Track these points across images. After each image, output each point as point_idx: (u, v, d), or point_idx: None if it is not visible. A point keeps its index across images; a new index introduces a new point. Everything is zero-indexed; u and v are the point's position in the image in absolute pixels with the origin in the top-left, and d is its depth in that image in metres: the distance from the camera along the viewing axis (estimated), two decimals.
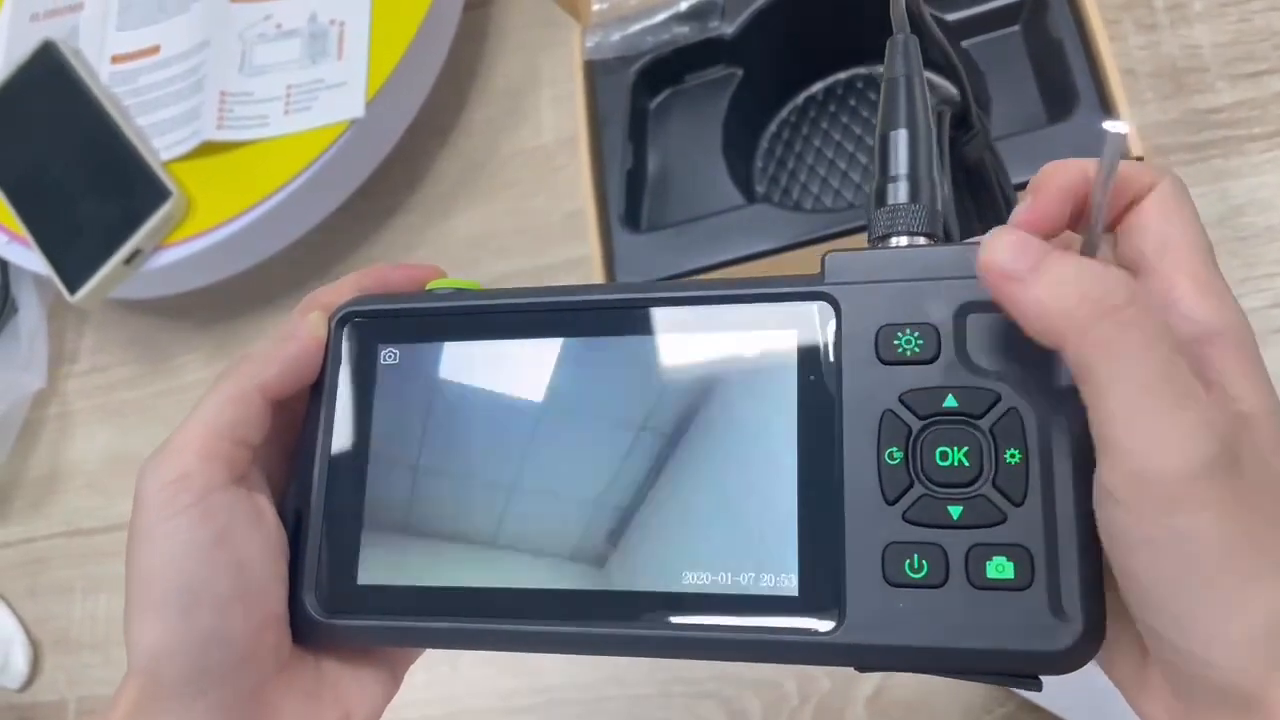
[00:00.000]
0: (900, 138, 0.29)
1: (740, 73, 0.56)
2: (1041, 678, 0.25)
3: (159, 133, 0.64)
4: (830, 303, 0.27)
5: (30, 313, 0.71)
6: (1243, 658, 0.22)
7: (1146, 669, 0.25)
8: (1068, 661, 0.24)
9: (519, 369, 0.30)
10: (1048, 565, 0.24)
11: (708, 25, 0.54)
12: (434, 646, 0.31)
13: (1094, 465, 0.24)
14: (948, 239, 0.29)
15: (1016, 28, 0.51)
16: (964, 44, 0.52)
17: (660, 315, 0.29)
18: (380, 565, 0.29)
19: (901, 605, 0.25)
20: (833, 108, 0.57)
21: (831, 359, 0.27)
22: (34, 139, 0.67)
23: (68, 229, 0.64)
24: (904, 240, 0.28)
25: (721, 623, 0.26)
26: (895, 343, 0.26)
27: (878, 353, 0.26)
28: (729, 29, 0.54)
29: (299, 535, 0.30)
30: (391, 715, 0.55)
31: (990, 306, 0.25)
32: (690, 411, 0.28)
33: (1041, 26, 0.48)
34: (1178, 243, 0.25)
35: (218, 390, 0.29)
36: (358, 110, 0.60)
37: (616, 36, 0.54)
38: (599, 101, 0.55)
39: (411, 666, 0.57)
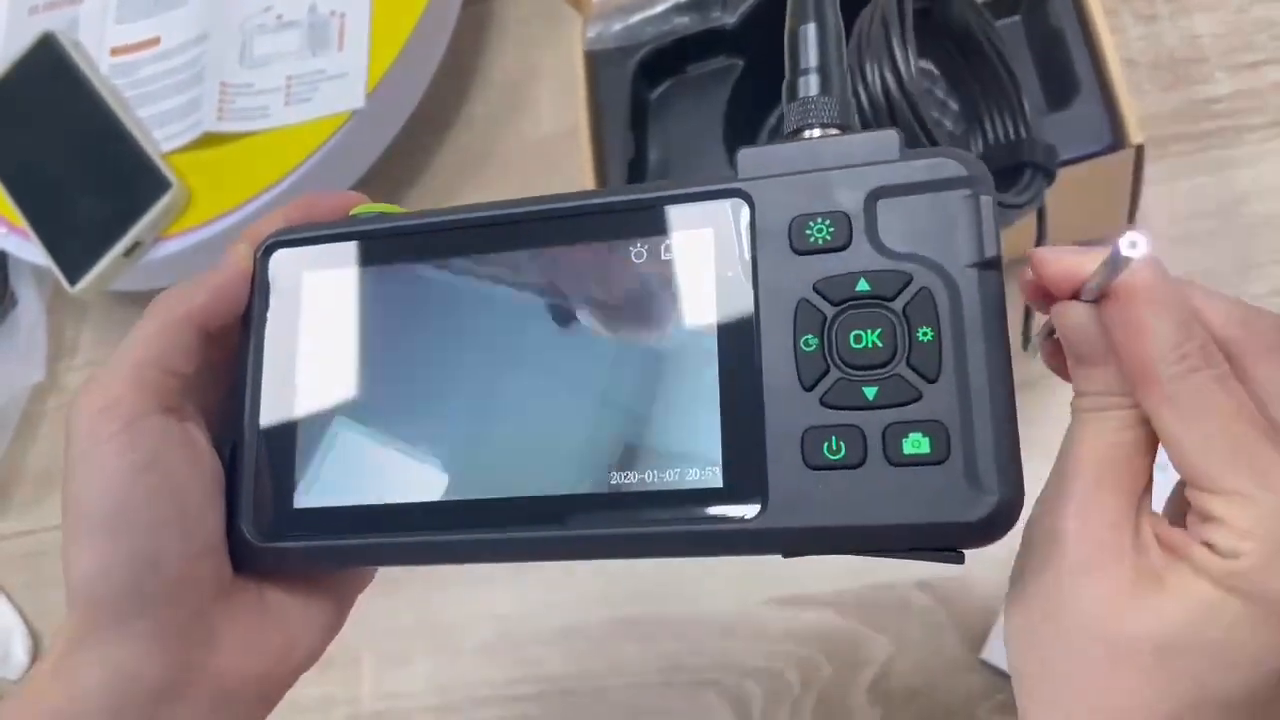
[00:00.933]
0: (809, 31, 0.29)
1: (741, 63, 0.56)
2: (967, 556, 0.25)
3: (159, 124, 0.64)
4: (744, 198, 0.27)
5: (29, 305, 0.71)
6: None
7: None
8: (986, 532, 0.24)
9: (442, 288, 0.30)
10: (963, 438, 0.24)
11: (709, 16, 0.54)
12: (371, 564, 0.32)
13: (1005, 340, 0.25)
14: (869, 128, 0.30)
15: (1017, 18, 0.51)
16: None
17: (581, 224, 0.29)
18: (315, 488, 0.30)
19: (822, 487, 0.25)
20: None
21: (747, 254, 0.27)
22: (34, 131, 0.67)
23: (67, 221, 0.63)
24: (816, 132, 0.28)
25: (651, 518, 0.27)
26: (807, 232, 0.26)
27: (791, 244, 0.27)
28: (730, 19, 0.54)
29: (235, 464, 0.31)
30: (395, 704, 0.56)
31: (899, 190, 0.26)
32: (613, 315, 0.28)
33: (1042, 16, 0.49)
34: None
35: (144, 322, 0.30)
36: (358, 101, 0.60)
37: (617, 27, 0.54)
38: (600, 92, 0.55)
39: (412, 654, 0.57)
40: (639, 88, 0.55)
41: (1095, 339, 0.25)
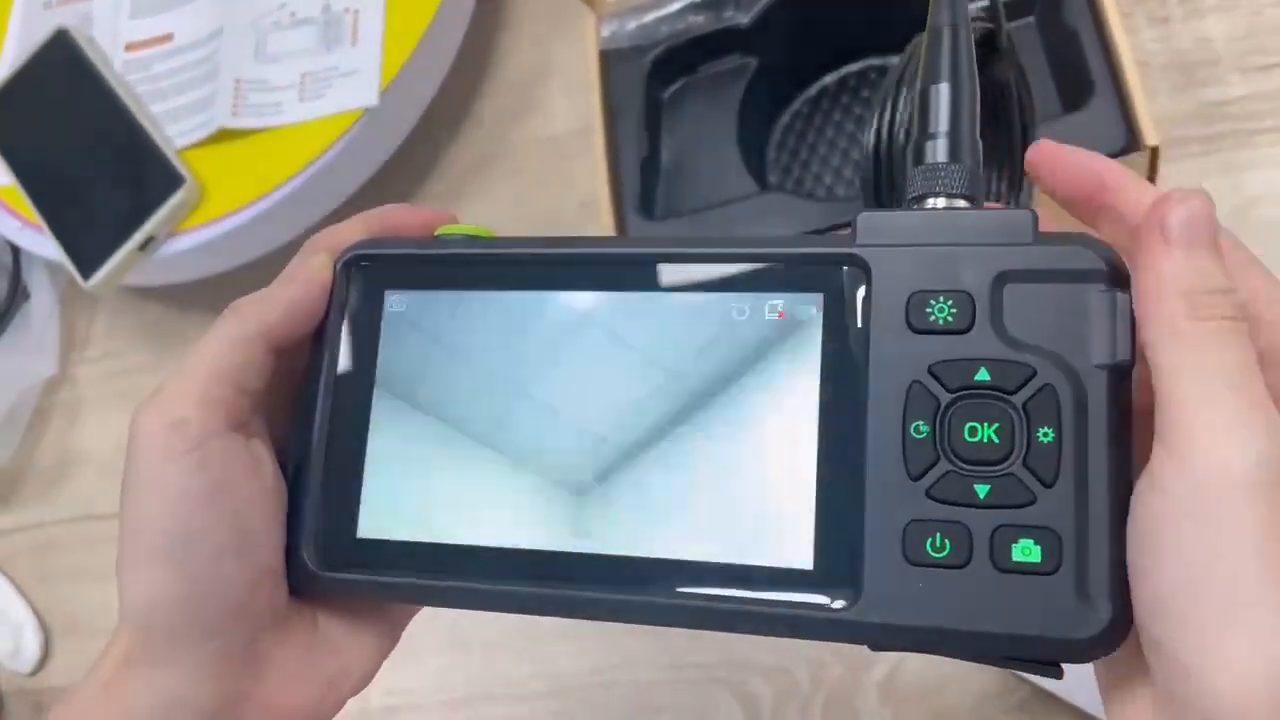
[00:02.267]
0: (943, 92, 0.27)
1: (754, 63, 0.56)
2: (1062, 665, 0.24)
3: (172, 120, 0.64)
4: (860, 266, 0.26)
5: (42, 300, 0.71)
6: (1250, 695, 0.19)
7: (1136, 686, 0.23)
8: (1092, 650, 0.23)
9: (530, 322, 0.29)
10: (1076, 550, 0.23)
11: (722, 15, 0.54)
12: (431, 605, 0.30)
13: (1130, 450, 0.23)
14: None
15: (1031, 19, 0.51)
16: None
17: (683, 271, 0.28)
18: (380, 519, 0.29)
19: (921, 585, 0.24)
20: (845, 99, 0.57)
21: (860, 324, 0.26)
22: (48, 126, 0.67)
23: (82, 216, 0.64)
24: (941, 202, 0.26)
25: (732, 594, 0.26)
26: (927, 310, 0.25)
27: (908, 320, 0.25)
28: (744, 19, 0.54)
29: (298, 486, 0.29)
30: (404, 700, 0.56)
31: (1029, 277, 0.24)
32: (711, 373, 0.27)
33: (1056, 17, 0.49)
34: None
35: (217, 334, 0.28)
36: (372, 98, 0.60)
37: (632, 25, 0.54)
38: (613, 91, 0.55)
39: (423, 650, 0.57)
40: (652, 86, 0.55)
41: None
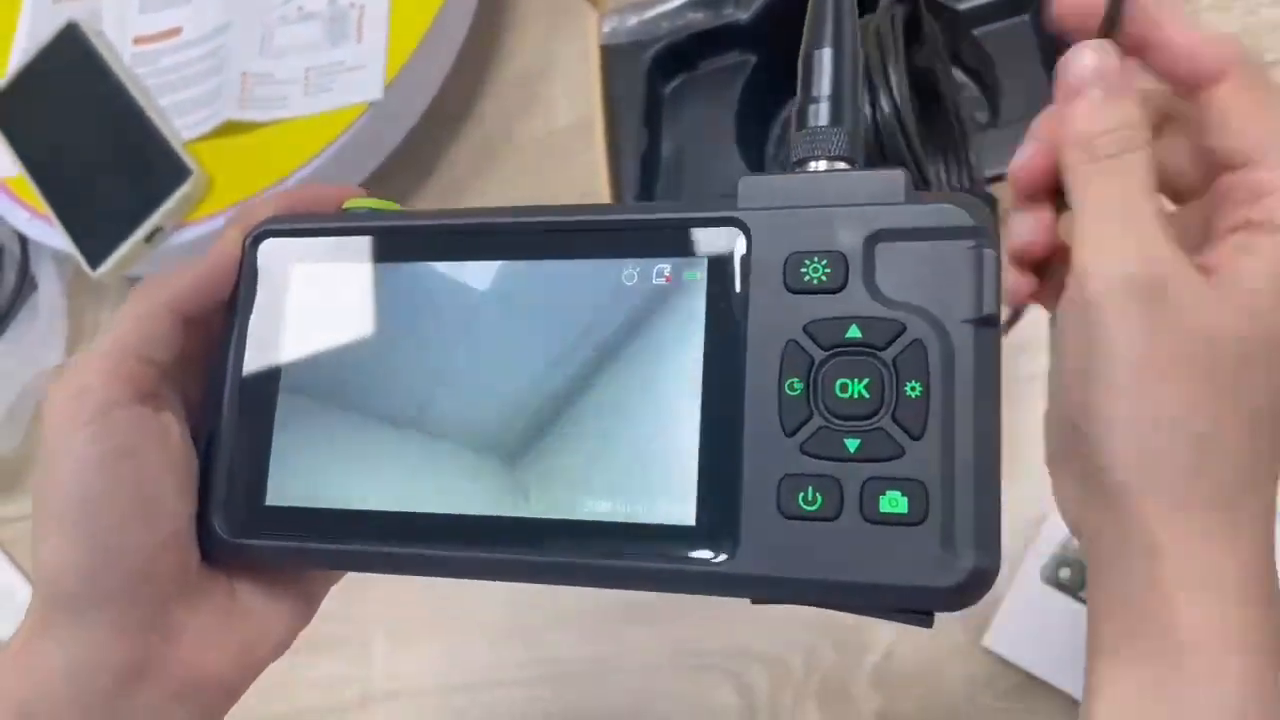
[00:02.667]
0: (824, 57, 0.28)
1: (754, 59, 0.56)
2: (940, 616, 0.25)
3: (180, 113, 0.65)
4: (741, 228, 0.27)
5: (50, 290, 0.72)
6: (1130, 470, 0.24)
7: (1067, 461, 0.27)
8: (956, 598, 0.24)
9: (430, 292, 0.30)
10: (943, 501, 0.24)
11: (722, 11, 0.55)
12: (339, 569, 0.32)
13: (997, 402, 0.25)
14: (883, 163, 0.30)
15: (1026, 17, 0.52)
16: (974, 32, 0.53)
17: (574, 240, 0.29)
18: (288, 486, 0.30)
19: (795, 537, 0.25)
20: None
21: (739, 286, 0.27)
22: (57, 118, 0.68)
23: (90, 206, 0.65)
24: (822, 165, 0.27)
25: (618, 550, 0.27)
26: (803, 270, 0.26)
27: (785, 280, 0.26)
28: (744, 15, 0.55)
29: (209, 455, 0.30)
30: (406, 684, 0.57)
31: (901, 235, 0.25)
32: (602, 338, 0.28)
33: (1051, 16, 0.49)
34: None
35: (125, 308, 0.30)
36: (376, 92, 0.61)
37: (633, 22, 0.55)
38: (614, 86, 0.56)
39: (424, 635, 0.58)
40: (653, 83, 0.56)
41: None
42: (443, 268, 0.30)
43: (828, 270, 0.26)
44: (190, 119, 0.65)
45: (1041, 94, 0.50)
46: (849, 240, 0.26)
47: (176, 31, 0.68)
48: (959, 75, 0.56)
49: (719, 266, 0.27)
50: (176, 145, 0.63)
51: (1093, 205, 0.25)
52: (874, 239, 0.26)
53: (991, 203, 0.42)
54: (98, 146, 0.66)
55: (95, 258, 0.63)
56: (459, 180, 0.66)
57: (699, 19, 0.56)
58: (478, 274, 0.30)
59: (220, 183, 0.63)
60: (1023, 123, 0.48)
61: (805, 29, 0.29)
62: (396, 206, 0.32)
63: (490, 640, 0.56)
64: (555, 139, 0.65)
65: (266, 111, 0.63)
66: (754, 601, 0.26)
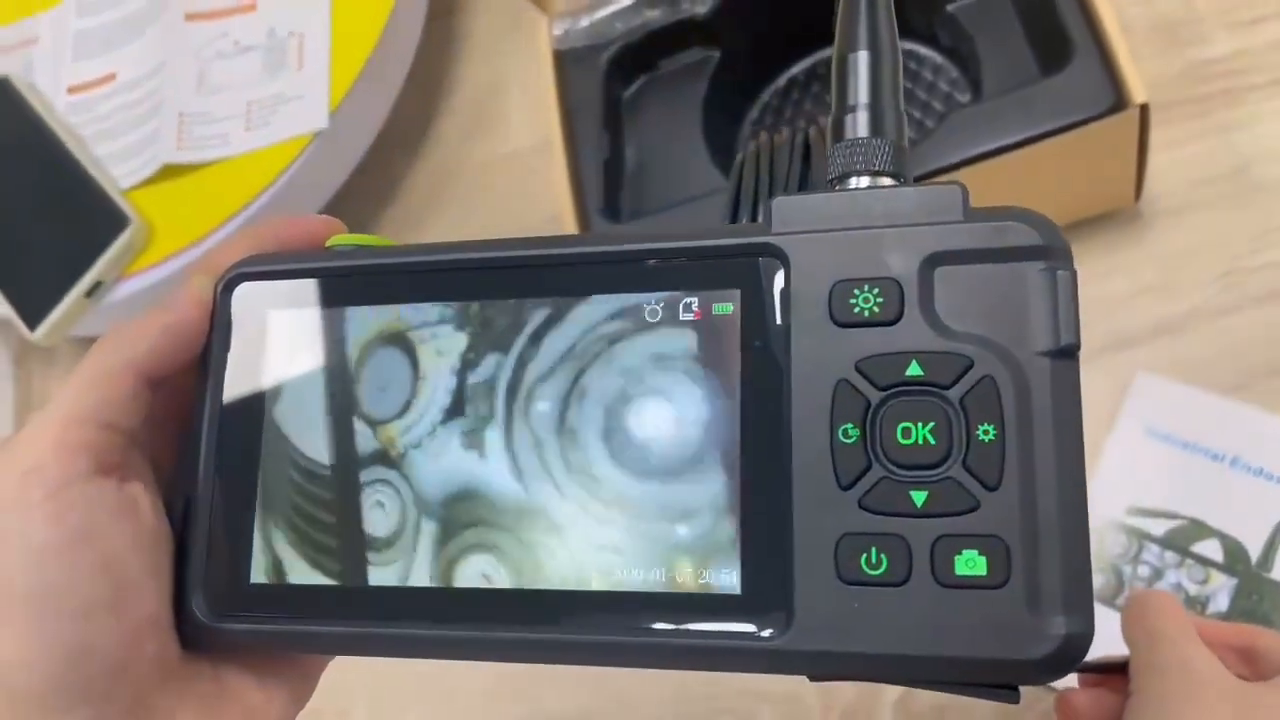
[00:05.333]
0: (860, 60, 0.25)
1: (716, 55, 0.53)
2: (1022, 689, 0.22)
3: (120, 160, 0.62)
4: (777, 256, 0.23)
5: None
6: None
7: None
8: (1046, 670, 0.21)
9: (429, 337, 0.26)
10: (1026, 559, 0.21)
11: (679, 6, 0.52)
12: (335, 653, 0.27)
13: (1080, 443, 0.21)
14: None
15: None
16: (949, 7, 0.49)
17: (586, 275, 0.25)
18: (275, 562, 0.26)
19: (857, 606, 0.21)
20: (816, 88, 0.55)
21: (779, 322, 0.23)
22: None
23: (27, 265, 0.61)
24: (864, 181, 0.24)
25: (654, 626, 0.23)
26: (851, 301, 0.22)
27: (831, 313, 0.23)
28: (701, 8, 0.52)
29: (186, 530, 0.27)
30: None
31: (961, 258, 0.22)
32: (620, 384, 0.24)
33: None
34: None
35: (81, 369, 0.26)
36: (321, 121, 0.57)
37: (585, 23, 0.52)
38: (571, 93, 0.53)
39: (407, 702, 0.53)
40: (611, 86, 0.53)
41: None
42: (441, 310, 0.26)
43: (880, 300, 0.22)
44: (129, 165, 0.61)
45: (1023, 63, 0.47)
46: (903, 265, 0.22)
47: (111, 78, 0.65)
48: (936, 57, 0.52)
49: (754, 299, 0.23)
50: (114, 194, 0.60)
51: None
52: (931, 262, 0.22)
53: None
54: (33, 203, 0.62)
55: (34, 318, 0.59)
56: (417, 205, 0.63)
57: (655, 16, 0.52)
58: (479, 318, 0.26)
59: (162, 229, 0.59)
60: (1006, 97, 0.45)
61: (837, 31, 0.26)
62: (388, 241, 0.28)
63: (479, 702, 0.52)
64: (515, 156, 0.62)
65: (206, 151, 0.59)
66: (811, 679, 0.23)
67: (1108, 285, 0.47)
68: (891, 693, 0.45)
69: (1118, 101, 0.42)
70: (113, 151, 0.62)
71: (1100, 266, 0.48)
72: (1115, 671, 0.32)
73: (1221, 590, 0.41)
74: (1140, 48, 0.50)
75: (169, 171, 0.60)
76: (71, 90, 0.66)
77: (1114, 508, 0.43)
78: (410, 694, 0.53)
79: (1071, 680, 0.39)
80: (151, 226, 0.59)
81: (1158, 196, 0.48)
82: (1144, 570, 0.42)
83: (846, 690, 0.46)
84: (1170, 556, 0.42)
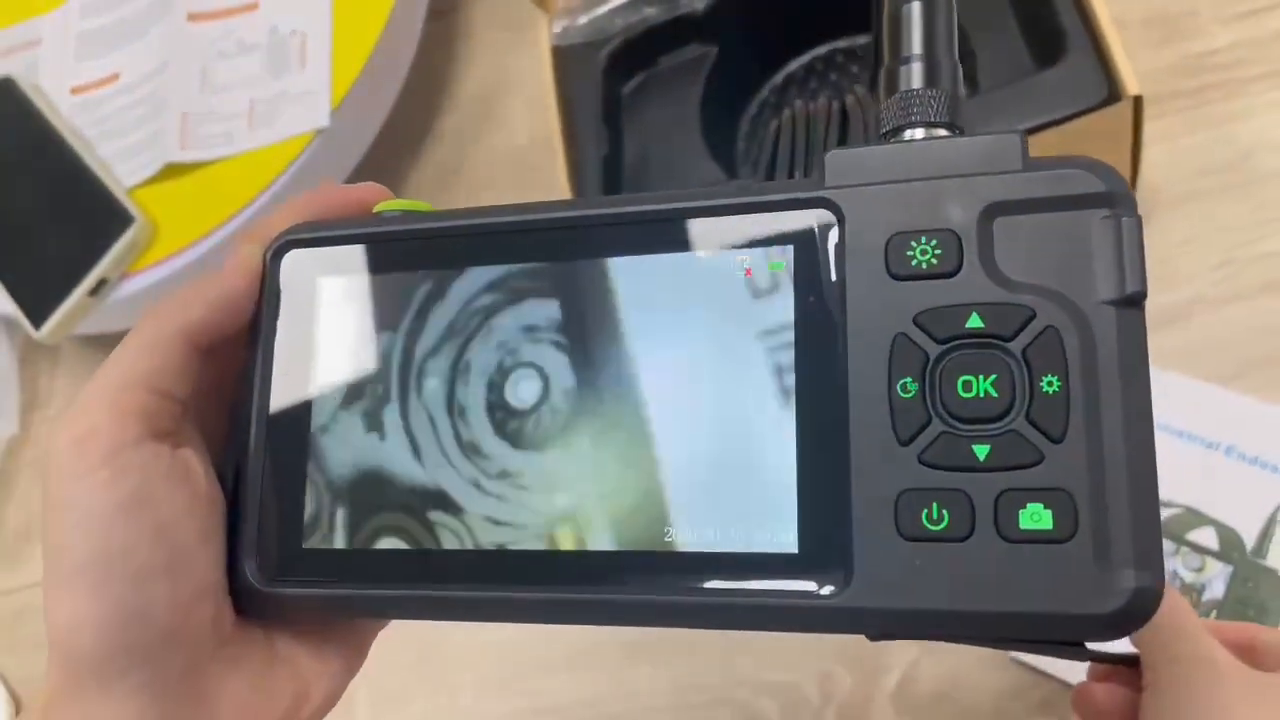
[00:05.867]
0: (914, 11, 0.25)
1: (715, 51, 0.54)
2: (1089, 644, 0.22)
3: (123, 159, 0.62)
4: (832, 209, 0.23)
5: (0, 358, 0.68)
6: None
7: None
8: (1118, 625, 0.20)
9: (480, 301, 0.26)
10: (1093, 512, 0.20)
11: (677, 3, 0.52)
12: (390, 617, 0.28)
13: (1148, 394, 0.21)
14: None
15: None
16: None
17: (638, 234, 0.25)
18: (328, 526, 0.26)
19: (919, 562, 0.21)
20: (814, 85, 0.55)
21: (834, 276, 0.23)
22: None
23: (32, 264, 0.61)
24: (920, 133, 0.24)
25: (711, 586, 0.23)
26: (909, 253, 0.22)
27: (888, 266, 0.22)
28: (700, 5, 0.52)
29: (239, 496, 0.27)
30: None
31: (1021, 207, 0.22)
32: (674, 343, 0.24)
33: None
34: None
35: (133, 336, 0.26)
36: (323, 119, 0.58)
37: (584, 20, 0.52)
38: (570, 90, 0.53)
39: (410, 692, 0.54)
40: (610, 82, 0.53)
41: None
42: (492, 273, 0.26)
43: (939, 251, 0.22)
44: (133, 164, 0.62)
45: (1018, 56, 0.47)
46: (961, 216, 0.22)
47: (114, 78, 0.65)
48: None
49: (808, 254, 0.23)
50: (118, 193, 0.60)
51: None
52: (991, 212, 0.22)
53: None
54: (37, 201, 0.63)
55: (38, 316, 0.59)
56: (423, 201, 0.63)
57: (653, 13, 0.53)
58: (532, 279, 0.26)
59: (166, 227, 0.60)
60: (1001, 90, 0.45)
61: None
62: (430, 207, 0.28)
63: (481, 692, 0.52)
64: (516, 152, 0.62)
65: (209, 150, 0.60)
66: (870, 639, 0.22)
67: None
68: (889, 682, 0.45)
69: (1111, 94, 0.42)
70: (117, 150, 0.63)
71: None
72: (1126, 664, 0.33)
73: (1217, 578, 0.41)
74: (1137, 41, 0.51)
75: (172, 170, 0.60)
76: (75, 91, 0.66)
77: None
78: (412, 684, 0.53)
79: (1081, 674, 0.39)
80: (155, 224, 0.60)
81: (1155, 188, 0.48)
82: None
83: (845, 681, 0.46)
84: (1166, 544, 0.42)
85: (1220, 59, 0.50)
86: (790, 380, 0.23)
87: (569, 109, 0.52)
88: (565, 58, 0.53)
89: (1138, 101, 0.42)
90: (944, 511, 0.21)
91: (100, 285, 0.59)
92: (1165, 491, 0.43)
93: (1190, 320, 0.46)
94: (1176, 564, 0.42)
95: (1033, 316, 0.21)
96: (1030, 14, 0.46)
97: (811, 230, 0.23)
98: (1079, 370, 0.21)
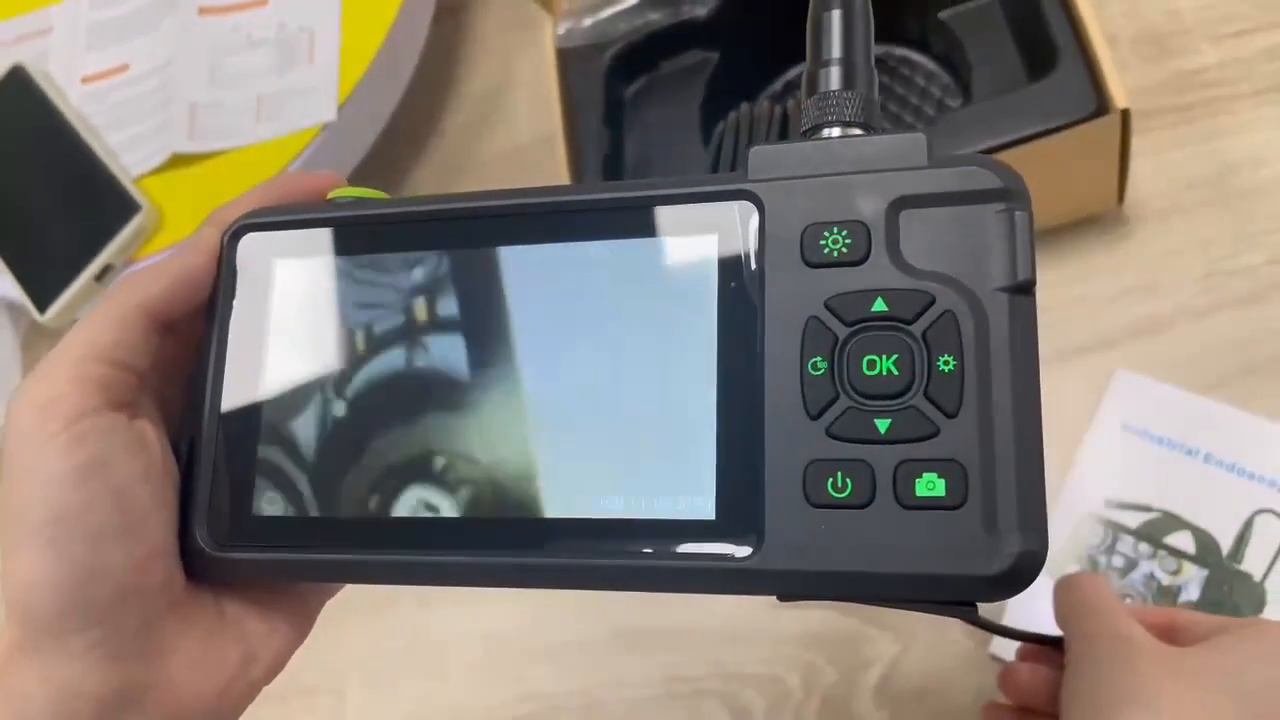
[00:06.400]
0: (834, 19, 0.26)
1: (716, 57, 0.55)
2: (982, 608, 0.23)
3: (131, 148, 0.63)
4: (753, 201, 0.25)
5: (3, 342, 0.69)
6: None
7: None
8: (1004, 586, 0.22)
9: (422, 283, 0.28)
10: (983, 482, 0.22)
11: (680, 8, 0.53)
12: (332, 580, 0.29)
13: (1035, 374, 0.23)
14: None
15: None
16: (941, 15, 0.51)
17: (574, 221, 0.26)
18: (276, 495, 0.28)
19: (824, 527, 0.23)
20: None
21: (754, 263, 0.25)
22: (4, 162, 0.65)
23: (38, 249, 0.62)
24: (836, 131, 0.25)
25: (634, 549, 0.24)
26: (822, 243, 0.24)
27: (803, 254, 0.24)
28: (702, 12, 0.53)
29: (192, 465, 0.28)
30: None
31: (925, 201, 0.23)
32: (604, 322, 0.26)
33: None
34: None
35: (97, 310, 0.27)
36: (329, 114, 0.59)
37: (588, 23, 0.53)
38: (574, 91, 0.54)
39: (399, 677, 0.55)
40: (613, 84, 0.54)
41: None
42: (435, 257, 0.28)
43: (849, 241, 0.24)
44: (140, 153, 0.63)
45: (1012, 69, 0.48)
46: (870, 208, 0.24)
47: (124, 68, 0.66)
48: (928, 63, 0.54)
49: (730, 241, 0.25)
50: (125, 181, 0.61)
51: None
52: (897, 206, 0.24)
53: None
54: (46, 188, 0.63)
55: (44, 301, 0.60)
56: None
57: (656, 18, 0.54)
58: (472, 262, 0.27)
59: (172, 216, 0.61)
60: (991, 101, 0.46)
61: None
62: (383, 195, 0.29)
63: (469, 680, 0.53)
64: (519, 153, 0.63)
65: (216, 141, 0.61)
66: (780, 599, 0.24)
67: (1090, 286, 0.49)
68: (872, 676, 0.46)
69: (1100, 106, 0.43)
70: (125, 139, 0.64)
71: (1084, 268, 0.49)
72: (1049, 645, 0.34)
73: (1193, 581, 0.42)
74: (1128, 57, 0.52)
75: (179, 160, 0.61)
76: (85, 80, 0.67)
77: (1091, 500, 0.44)
78: (403, 672, 0.54)
79: (1009, 655, 0.41)
80: (161, 213, 0.61)
81: (1141, 201, 0.49)
82: (1118, 561, 0.43)
83: (828, 672, 0.47)
84: (1144, 548, 0.43)
85: (1209, 76, 0.51)
86: (711, 358, 0.25)
87: (571, 110, 0.53)
88: (569, 59, 0.54)
89: (1126, 115, 0.43)
90: (848, 480, 0.23)
91: (105, 271, 0.60)
92: (1145, 496, 0.44)
93: (1173, 330, 0.47)
94: (1154, 567, 0.43)
95: (932, 302, 0.23)
96: (1024, 28, 0.48)
97: (734, 219, 0.25)
98: (973, 351, 0.23)
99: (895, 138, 0.24)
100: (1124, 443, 0.45)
